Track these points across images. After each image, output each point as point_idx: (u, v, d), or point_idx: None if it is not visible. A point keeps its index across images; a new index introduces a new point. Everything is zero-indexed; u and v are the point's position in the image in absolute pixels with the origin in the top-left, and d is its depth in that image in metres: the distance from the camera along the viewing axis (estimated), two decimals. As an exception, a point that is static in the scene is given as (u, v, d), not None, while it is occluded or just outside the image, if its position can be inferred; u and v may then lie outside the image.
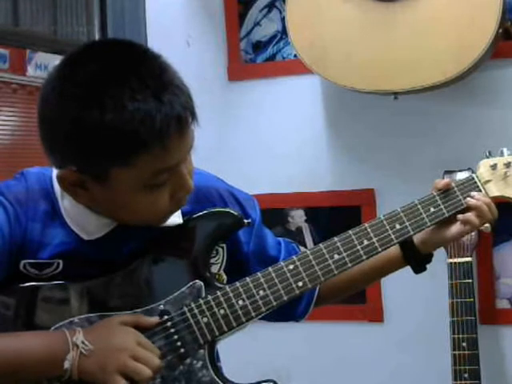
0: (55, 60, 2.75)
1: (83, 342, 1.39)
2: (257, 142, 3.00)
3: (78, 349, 1.38)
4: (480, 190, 1.67)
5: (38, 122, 1.44)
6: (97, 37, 3.02)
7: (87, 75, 1.39)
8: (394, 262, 1.71)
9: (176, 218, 1.53)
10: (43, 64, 2.73)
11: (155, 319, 1.47)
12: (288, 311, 1.66)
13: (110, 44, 1.50)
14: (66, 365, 1.38)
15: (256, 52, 3.01)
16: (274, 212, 2.91)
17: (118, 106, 1.35)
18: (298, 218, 2.96)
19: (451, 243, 2.50)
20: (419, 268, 1.71)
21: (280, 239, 1.72)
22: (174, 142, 1.39)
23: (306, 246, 2.86)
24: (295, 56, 2.75)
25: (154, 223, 1.51)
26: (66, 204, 1.49)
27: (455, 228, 1.67)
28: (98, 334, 1.41)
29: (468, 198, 1.66)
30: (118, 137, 1.36)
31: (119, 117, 1.35)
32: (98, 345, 1.39)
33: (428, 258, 1.71)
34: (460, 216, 1.66)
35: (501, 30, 2.51)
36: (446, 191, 1.66)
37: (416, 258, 1.70)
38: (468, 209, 1.65)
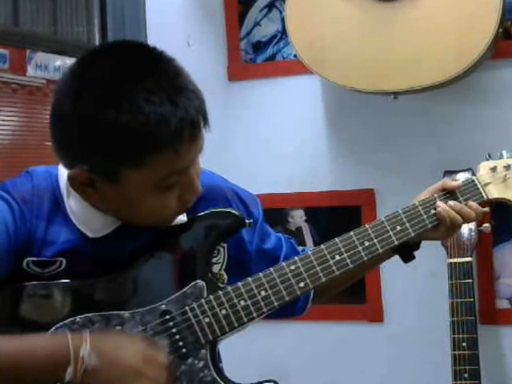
0: (55, 60, 2.76)
1: (89, 356, 1.35)
2: (257, 141, 3.00)
3: (83, 363, 1.34)
4: (480, 193, 1.71)
5: (50, 121, 1.44)
6: (97, 37, 3.02)
7: (103, 75, 1.39)
8: (383, 253, 1.71)
9: (180, 216, 1.53)
10: (43, 64, 2.73)
11: None
12: (287, 308, 1.65)
13: (125, 45, 1.50)
14: (68, 377, 1.35)
15: (256, 52, 3.01)
16: (274, 212, 2.90)
17: (134, 108, 1.36)
18: (297, 217, 2.96)
19: (451, 242, 2.51)
20: (408, 257, 1.72)
21: (280, 235, 1.74)
22: (187, 146, 1.40)
23: (305, 246, 2.86)
24: (295, 56, 2.75)
25: (161, 224, 1.52)
26: (72, 202, 1.49)
27: (442, 229, 1.68)
28: (105, 348, 1.37)
29: (438, 209, 1.66)
30: (132, 138, 1.37)
31: (135, 118, 1.36)
32: (103, 360, 1.36)
33: (416, 246, 1.72)
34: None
35: (501, 30, 2.51)
36: (446, 193, 1.68)
37: (405, 248, 1.70)
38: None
